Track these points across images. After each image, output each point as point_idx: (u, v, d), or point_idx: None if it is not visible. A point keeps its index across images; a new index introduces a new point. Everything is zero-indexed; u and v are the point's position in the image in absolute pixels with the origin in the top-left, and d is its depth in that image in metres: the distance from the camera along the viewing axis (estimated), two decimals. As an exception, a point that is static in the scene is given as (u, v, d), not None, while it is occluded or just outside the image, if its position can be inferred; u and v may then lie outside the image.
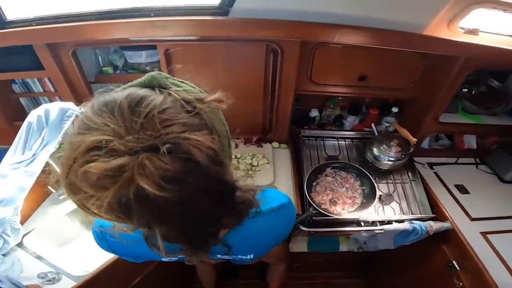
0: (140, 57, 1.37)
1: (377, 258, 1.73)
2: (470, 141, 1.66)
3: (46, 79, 1.38)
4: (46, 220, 1.25)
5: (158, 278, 1.37)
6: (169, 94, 0.42)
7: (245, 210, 0.55)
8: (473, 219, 1.31)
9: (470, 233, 1.23)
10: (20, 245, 1.14)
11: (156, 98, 0.40)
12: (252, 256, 0.72)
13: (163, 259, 0.70)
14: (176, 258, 0.68)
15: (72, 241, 1.31)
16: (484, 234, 1.24)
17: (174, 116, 0.39)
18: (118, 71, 1.42)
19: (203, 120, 0.44)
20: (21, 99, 1.52)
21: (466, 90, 1.66)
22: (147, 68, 1.40)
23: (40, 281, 1.03)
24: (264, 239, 0.68)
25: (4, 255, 1.07)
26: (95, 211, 0.38)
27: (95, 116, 0.38)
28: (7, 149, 1.32)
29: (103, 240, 0.66)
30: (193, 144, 0.38)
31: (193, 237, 0.49)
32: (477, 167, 1.63)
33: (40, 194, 1.30)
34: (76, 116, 0.41)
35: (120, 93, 0.41)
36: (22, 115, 1.52)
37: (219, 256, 0.68)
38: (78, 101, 1.37)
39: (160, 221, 0.41)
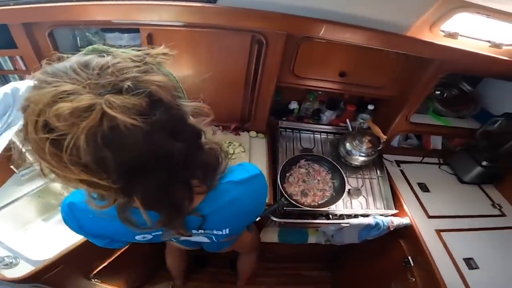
0: (121, 40, 1.30)
1: (342, 251, 1.82)
2: (436, 142, 1.76)
3: (17, 57, 1.29)
4: (6, 202, 1.18)
5: (123, 265, 1.36)
6: (116, 56, 0.45)
7: (215, 164, 0.58)
8: (430, 217, 1.39)
9: (426, 230, 1.31)
10: None
11: (105, 58, 0.43)
12: (227, 231, 0.73)
13: (137, 237, 0.69)
14: (151, 236, 0.69)
15: (33, 225, 1.26)
16: (438, 231, 1.32)
17: (127, 66, 0.43)
18: (96, 53, 1.34)
19: (153, 68, 0.47)
20: (-12, 76, 1.40)
21: (439, 92, 1.73)
22: (127, 50, 1.33)
23: None
24: (238, 210, 0.69)
25: None
26: (70, 171, 0.39)
27: (51, 76, 0.40)
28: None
29: (73, 219, 0.64)
30: (149, 81, 0.42)
31: (168, 196, 0.49)
32: (439, 167, 1.72)
33: (2, 174, 1.23)
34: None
35: (66, 62, 0.43)
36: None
37: (194, 231, 0.69)
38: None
39: (135, 171, 0.42)
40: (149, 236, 0.69)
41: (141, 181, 0.43)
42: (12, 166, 1.17)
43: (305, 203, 1.40)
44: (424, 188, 1.56)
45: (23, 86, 0.97)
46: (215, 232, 0.73)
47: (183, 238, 0.82)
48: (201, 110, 0.52)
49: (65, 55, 0.46)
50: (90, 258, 1.20)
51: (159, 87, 0.42)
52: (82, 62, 0.42)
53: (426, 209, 1.43)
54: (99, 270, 1.24)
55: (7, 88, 0.96)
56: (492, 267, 1.23)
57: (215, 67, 1.32)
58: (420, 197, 1.49)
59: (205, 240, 0.82)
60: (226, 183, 0.63)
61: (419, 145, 1.79)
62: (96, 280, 1.29)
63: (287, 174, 1.49)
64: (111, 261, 1.26)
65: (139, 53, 0.48)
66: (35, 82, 0.41)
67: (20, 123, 0.99)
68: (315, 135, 1.72)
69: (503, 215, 1.48)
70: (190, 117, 0.50)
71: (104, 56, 0.44)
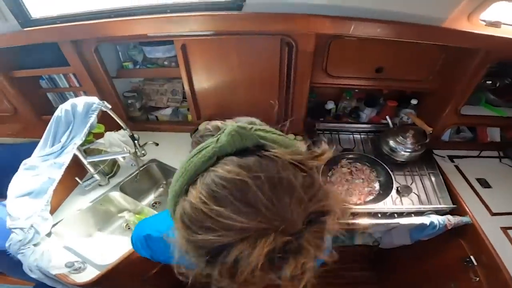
0: (158, 52, 1.42)
1: (390, 250, 1.69)
2: (494, 134, 1.61)
3: (71, 75, 1.46)
4: (73, 210, 1.30)
5: (171, 270, 1.41)
6: (282, 160, 0.38)
7: None
8: (494, 214, 1.27)
9: (490, 228, 1.20)
10: (48, 235, 1.17)
11: (281, 173, 0.36)
12: None
13: None
14: None
15: (96, 231, 1.37)
16: (504, 229, 1.20)
17: (309, 187, 0.38)
18: (137, 66, 1.48)
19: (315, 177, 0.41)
20: (48, 94, 1.61)
21: (490, 82, 1.59)
22: (165, 63, 1.44)
23: (67, 270, 1.06)
24: None
25: (34, 245, 1.09)
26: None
27: (234, 214, 0.34)
28: (36, 142, 1.41)
29: (147, 249, 0.67)
30: (330, 206, 0.39)
31: None
32: (500, 160, 1.57)
33: (68, 185, 1.35)
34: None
35: (256, 167, 0.37)
36: (49, 109, 1.62)
37: None
38: (101, 95, 1.44)
39: None
40: None
41: None
42: (77, 178, 1.30)
43: (351, 203, 1.35)
44: (484, 183, 1.42)
45: (80, 102, 1.10)
46: None
47: None
48: None
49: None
50: (142, 263, 1.22)
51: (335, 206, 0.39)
52: (270, 183, 0.35)
53: (489, 206, 1.30)
54: (150, 275, 1.29)
55: (67, 105, 1.09)
56: None
57: (247, 72, 1.37)
58: (481, 193, 1.36)
59: None
60: None
61: (473, 138, 1.65)
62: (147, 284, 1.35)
63: (329, 175, 1.46)
64: (159, 267, 1.32)
65: (299, 156, 0.39)
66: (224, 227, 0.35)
67: (81, 137, 1.11)
68: (354, 136, 1.67)
69: None
70: None
71: (272, 158, 0.38)
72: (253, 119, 0.49)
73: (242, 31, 1.22)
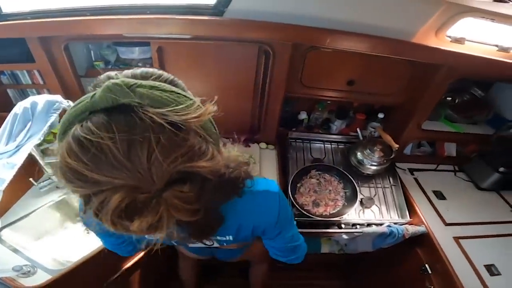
0: (133, 53, 1.37)
1: (356, 260, 1.78)
2: (451, 149, 1.72)
3: (35, 71, 1.37)
4: (25, 213, 1.23)
5: (135, 276, 1.37)
6: (151, 120, 0.38)
7: (240, 184, 0.58)
8: (447, 224, 1.36)
9: (444, 237, 1.28)
10: None
11: (143, 133, 0.37)
12: (230, 238, 0.73)
13: (147, 236, 0.68)
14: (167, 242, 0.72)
15: (51, 235, 1.30)
16: (456, 239, 1.29)
17: (173, 148, 0.39)
18: (109, 66, 1.42)
19: (197, 134, 0.43)
20: (8, 91, 1.49)
21: (450, 98, 1.71)
22: (139, 64, 1.40)
23: (14, 274, 1.01)
24: (241, 220, 0.68)
25: None
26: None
27: (86, 169, 0.37)
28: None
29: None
30: (200, 169, 0.41)
31: (202, 224, 0.53)
32: (455, 174, 1.69)
33: (21, 186, 1.27)
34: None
35: (122, 122, 0.38)
36: (8, 106, 1.49)
37: None
38: (67, 94, 1.37)
39: (181, 222, 0.46)
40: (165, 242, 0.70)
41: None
42: (31, 179, 1.22)
43: (317, 213, 1.38)
44: (440, 195, 1.52)
45: (41, 100, 1.04)
46: (218, 237, 0.73)
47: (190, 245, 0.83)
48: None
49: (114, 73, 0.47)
50: (103, 268, 1.21)
51: (208, 170, 0.42)
52: (124, 144, 0.37)
53: (443, 217, 1.39)
54: (111, 280, 1.24)
55: (27, 102, 1.03)
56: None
57: (223, 79, 1.37)
58: (436, 204, 1.46)
59: (208, 243, 0.83)
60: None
61: (432, 152, 1.76)
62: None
63: (298, 185, 1.49)
64: (123, 272, 1.27)
65: (177, 117, 0.39)
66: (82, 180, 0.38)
67: (39, 136, 1.05)
68: (325, 145, 1.72)
69: (524, 221, 1.42)
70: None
71: (135, 118, 0.38)
72: (154, 71, 0.48)
73: (221, 37, 1.22)
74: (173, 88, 0.44)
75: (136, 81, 0.40)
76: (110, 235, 0.72)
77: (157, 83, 0.43)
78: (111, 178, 0.37)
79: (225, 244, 0.78)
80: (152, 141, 0.37)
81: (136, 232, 0.40)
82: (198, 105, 0.44)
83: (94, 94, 0.39)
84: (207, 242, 0.79)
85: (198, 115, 0.41)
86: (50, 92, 1.39)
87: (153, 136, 0.37)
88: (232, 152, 0.55)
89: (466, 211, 1.44)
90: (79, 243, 1.28)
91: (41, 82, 1.41)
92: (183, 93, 0.46)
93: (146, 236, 0.70)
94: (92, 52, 1.43)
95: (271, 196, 0.69)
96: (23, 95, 1.51)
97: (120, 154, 0.36)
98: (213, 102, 0.45)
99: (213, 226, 0.59)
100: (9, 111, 1.11)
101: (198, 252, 1.12)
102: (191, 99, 0.46)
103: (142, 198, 0.38)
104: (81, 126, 0.38)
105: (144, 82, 0.41)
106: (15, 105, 1.40)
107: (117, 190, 0.37)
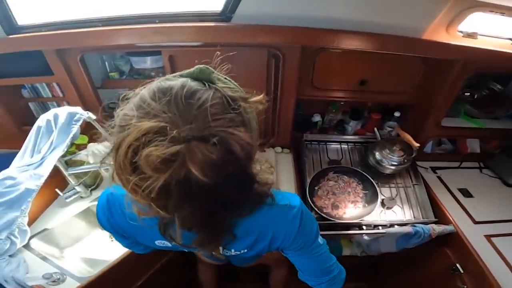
0: (145, 63, 1.41)
1: (380, 262, 1.73)
2: (473, 145, 1.67)
3: (54, 84, 1.43)
4: (52, 222, 1.27)
5: (159, 281, 1.38)
6: (216, 89, 0.46)
7: (260, 201, 0.59)
8: (476, 222, 1.31)
9: (474, 236, 1.24)
10: (26, 246, 1.15)
11: (206, 92, 0.45)
12: (245, 251, 0.72)
13: (156, 242, 0.72)
14: (171, 245, 0.72)
15: (77, 243, 1.34)
16: (488, 237, 1.24)
17: (222, 112, 0.45)
18: (124, 77, 1.46)
19: (243, 117, 0.48)
20: (30, 104, 1.57)
21: (468, 94, 1.66)
22: (152, 73, 1.43)
23: (45, 282, 1.04)
24: (259, 236, 0.68)
25: (10, 256, 1.09)
26: (137, 195, 0.44)
27: (153, 101, 0.44)
28: (16, 153, 1.35)
29: (106, 210, 0.68)
30: (235, 139, 0.44)
31: (211, 223, 0.53)
32: (481, 171, 1.64)
33: (47, 196, 1.32)
34: (125, 96, 0.45)
35: (174, 82, 0.46)
36: (31, 119, 1.56)
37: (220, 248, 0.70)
38: (85, 105, 1.41)
39: (190, 205, 0.46)
40: (169, 244, 0.71)
41: (192, 211, 0.48)
42: (57, 189, 1.26)
43: (336, 216, 1.35)
44: (466, 193, 1.47)
45: (63, 112, 1.07)
46: (233, 251, 0.73)
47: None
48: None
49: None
50: (127, 275, 1.22)
51: (241, 147, 0.44)
52: (188, 90, 0.44)
53: (471, 215, 1.34)
54: (136, 286, 1.26)
55: (49, 115, 1.07)
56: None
57: (234, 84, 1.39)
58: (463, 203, 1.41)
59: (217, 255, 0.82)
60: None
61: (454, 149, 1.71)
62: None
63: (316, 188, 1.47)
64: (146, 278, 1.28)
65: (236, 94, 0.49)
66: (135, 105, 0.45)
67: (62, 148, 1.09)
68: (342, 146, 1.69)
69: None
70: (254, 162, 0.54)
71: (206, 86, 0.46)
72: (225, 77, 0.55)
73: (230, 42, 1.24)
74: (235, 85, 0.55)
75: (213, 71, 0.50)
76: (120, 234, 0.74)
77: (225, 78, 0.54)
78: (166, 111, 0.42)
79: (240, 256, 0.77)
80: (209, 98, 0.44)
81: (143, 164, 0.40)
82: (247, 93, 0.53)
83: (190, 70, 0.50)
84: (216, 254, 0.78)
85: (245, 96, 0.51)
86: (70, 104, 1.45)
87: (211, 96, 0.44)
88: (263, 168, 0.58)
89: (495, 209, 1.40)
90: (104, 250, 1.33)
91: (61, 95, 1.47)
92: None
93: (156, 242, 0.71)
94: (106, 63, 1.48)
95: (291, 209, 0.67)
96: (44, 108, 1.59)
97: (183, 94, 0.43)
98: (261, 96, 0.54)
99: (219, 239, 0.59)
100: (31, 124, 1.16)
101: (212, 258, 1.13)
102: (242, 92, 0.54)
103: (173, 133, 0.40)
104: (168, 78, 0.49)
105: (217, 75, 0.51)
106: (36, 118, 1.47)
107: (162, 131, 0.41)
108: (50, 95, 1.48)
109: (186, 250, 0.78)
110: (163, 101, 0.43)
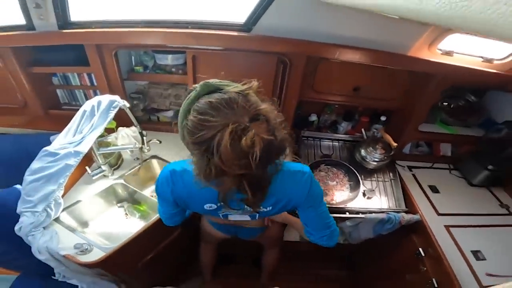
0: (166, 60, 1.60)
1: (358, 251, 1.98)
2: (446, 149, 1.91)
3: (84, 74, 1.59)
4: (79, 197, 1.39)
5: (167, 255, 1.55)
6: (229, 91, 0.69)
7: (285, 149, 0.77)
8: (439, 214, 1.53)
9: (436, 225, 1.45)
10: (56, 219, 1.25)
11: (231, 95, 0.68)
12: (270, 208, 0.92)
13: (205, 206, 0.92)
14: (216, 207, 0.93)
15: (97, 218, 1.47)
16: (447, 227, 1.45)
17: (247, 101, 0.67)
18: (147, 71, 1.64)
19: (255, 97, 0.71)
20: (57, 90, 1.72)
21: (446, 103, 1.89)
22: (173, 69, 1.62)
23: (75, 251, 1.13)
24: (283, 194, 0.89)
25: (44, 228, 1.17)
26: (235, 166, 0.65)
27: (212, 118, 0.65)
28: (41, 134, 1.50)
29: (170, 182, 0.88)
30: (263, 108, 0.68)
31: (260, 182, 0.76)
32: (450, 172, 1.86)
33: (75, 174, 1.44)
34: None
35: (216, 96, 0.69)
36: (56, 104, 1.73)
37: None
38: (112, 93, 1.58)
39: (254, 165, 0.65)
40: (214, 206, 0.92)
41: (255, 170, 0.66)
42: (87, 167, 1.42)
43: (325, 201, 1.58)
44: (434, 189, 1.70)
45: (105, 99, 1.25)
46: (261, 208, 0.92)
47: (231, 216, 1.03)
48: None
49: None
50: (142, 248, 1.37)
51: (272, 114, 0.69)
52: (226, 99, 0.67)
53: (436, 207, 1.56)
54: (148, 258, 1.42)
55: (94, 101, 1.24)
56: (500, 260, 1.32)
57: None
58: (431, 197, 1.63)
59: (247, 218, 1.04)
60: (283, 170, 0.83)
61: (429, 152, 1.94)
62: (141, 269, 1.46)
63: (309, 177, 1.69)
64: (156, 252, 1.44)
65: (242, 87, 0.70)
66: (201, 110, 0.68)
67: (101, 129, 1.26)
68: (333, 143, 1.92)
69: (510, 214, 1.59)
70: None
71: (221, 93, 0.69)
72: (224, 81, 0.75)
73: (247, 49, 1.43)
74: (234, 84, 0.74)
75: (214, 80, 0.73)
76: (174, 202, 0.92)
77: (224, 81, 0.74)
78: (224, 118, 0.64)
79: (263, 215, 1.00)
80: (237, 97, 0.67)
81: (242, 150, 0.61)
82: (245, 85, 0.73)
83: (196, 89, 0.72)
84: (246, 217, 0.99)
85: (245, 88, 0.71)
86: (99, 92, 1.61)
87: (234, 96, 0.68)
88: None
89: (457, 204, 1.61)
90: (119, 226, 1.47)
91: (89, 84, 1.63)
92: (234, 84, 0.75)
93: (205, 206, 0.92)
94: (133, 58, 1.65)
95: (304, 174, 0.89)
96: (71, 95, 1.74)
97: (224, 106, 0.66)
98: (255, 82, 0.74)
99: (264, 187, 0.79)
100: (57, 108, 1.39)
101: (224, 230, 1.32)
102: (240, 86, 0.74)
103: (242, 128, 0.62)
104: (199, 101, 0.70)
105: (218, 81, 0.73)
106: (61, 103, 1.62)
107: (226, 126, 0.62)
108: (79, 84, 1.64)
109: (228, 213, 1.00)
110: (222, 108, 0.66)
